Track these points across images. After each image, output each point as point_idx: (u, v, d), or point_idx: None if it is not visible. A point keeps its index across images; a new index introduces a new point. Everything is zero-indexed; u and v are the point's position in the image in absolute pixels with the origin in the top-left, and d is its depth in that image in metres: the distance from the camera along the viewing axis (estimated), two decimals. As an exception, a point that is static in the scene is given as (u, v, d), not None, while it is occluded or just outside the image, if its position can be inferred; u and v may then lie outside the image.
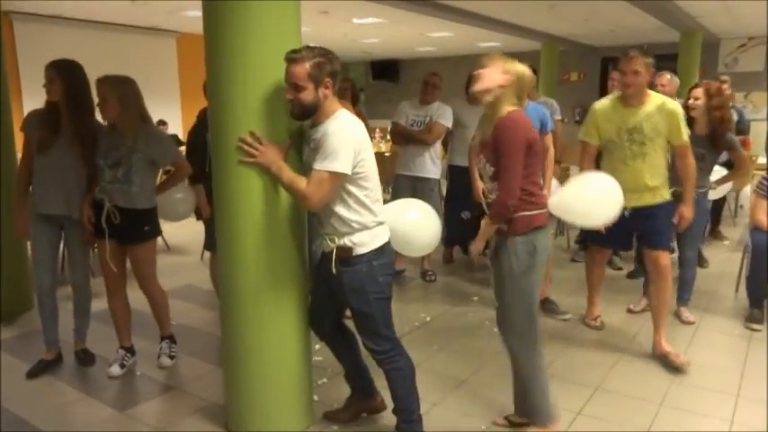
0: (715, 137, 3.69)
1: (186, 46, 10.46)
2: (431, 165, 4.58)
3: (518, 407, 2.68)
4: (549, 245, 2.53)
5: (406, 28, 9.63)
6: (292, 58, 2.18)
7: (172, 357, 3.43)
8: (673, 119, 3.23)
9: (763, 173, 4.09)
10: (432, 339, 3.71)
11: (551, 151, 3.93)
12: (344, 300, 2.40)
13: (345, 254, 2.30)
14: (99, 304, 4.13)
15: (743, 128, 5.17)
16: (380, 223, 2.35)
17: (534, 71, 5.08)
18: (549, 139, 3.93)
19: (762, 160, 7.05)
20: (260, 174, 2.35)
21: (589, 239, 3.84)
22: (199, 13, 2.47)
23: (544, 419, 2.57)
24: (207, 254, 4.33)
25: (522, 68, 2.46)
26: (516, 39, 10.30)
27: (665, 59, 10.59)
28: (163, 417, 2.84)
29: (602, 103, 3.44)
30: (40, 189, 3.15)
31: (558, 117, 5.24)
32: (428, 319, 4.07)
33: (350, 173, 2.19)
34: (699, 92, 3.66)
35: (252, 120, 2.32)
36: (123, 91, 3.02)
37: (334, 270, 2.31)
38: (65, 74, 3.05)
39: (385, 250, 2.35)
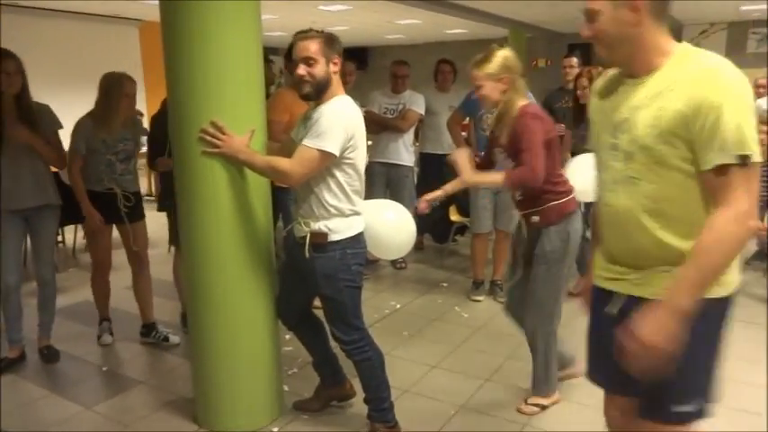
0: None
1: (149, 34, 10.23)
2: (404, 152, 4.60)
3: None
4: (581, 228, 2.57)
5: (375, 15, 9.57)
6: (303, 35, 2.23)
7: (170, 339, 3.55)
8: None
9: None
10: (402, 326, 3.74)
11: None
12: (315, 286, 2.39)
13: (320, 240, 2.29)
14: (62, 300, 4.06)
15: None
16: (357, 213, 2.34)
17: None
18: None
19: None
20: (223, 164, 2.32)
21: None
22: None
23: (548, 390, 2.72)
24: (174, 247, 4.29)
25: (503, 57, 2.47)
26: (484, 25, 10.34)
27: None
28: (131, 412, 2.80)
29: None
30: (9, 185, 3.05)
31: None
32: (398, 306, 4.09)
33: (338, 154, 2.18)
34: (585, 81, 3.85)
35: (213, 109, 2.29)
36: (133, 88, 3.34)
37: (307, 254, 2.30)
38: (20, 63, 3.01)
39: (359, 240, 2.35)
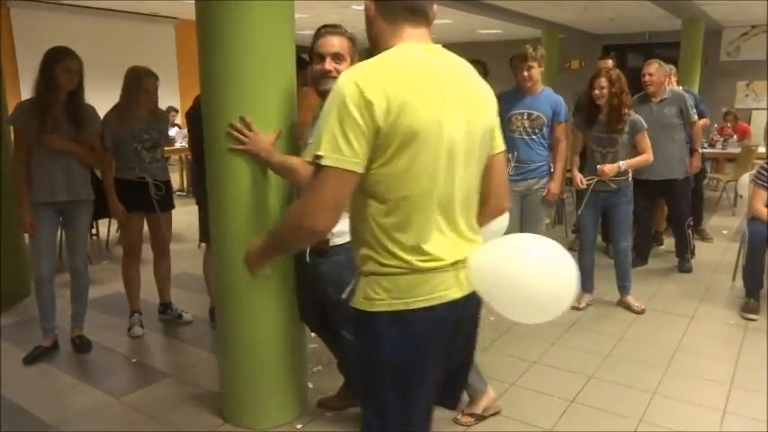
0: (611, 121, 3.72)
1: (185, 32, 10.41)
2: None
3: None
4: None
5: (406, 15, 9.53)
6: (334, 30, 2.21)
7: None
8: None
9: (763, 162, 4.08)
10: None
11: (563, 143, 3.80)
12: (323, 292, 2.32)
13: (322, 245, 2.23)
14: (94, 291, 4.15)
15: (701, 111, 5.16)
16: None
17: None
18: (561, 129, 3.77)
19: (762, 149, 7.02)
20: (248, 162, 2.33)
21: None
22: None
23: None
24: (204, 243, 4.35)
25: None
26: (516, 26, 10.24)
27: (667, 47, 10.53)
28: (158, 404, 2.85)
29: None
30: (44, 178, 3.14)
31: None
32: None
33: None
34: (603, 81, 3.70)
35: (244, 108, 2.30)
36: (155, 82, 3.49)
37: (308, 259, 2.27)
38: (81, 63, 3.16)
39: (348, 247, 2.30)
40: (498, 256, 1.45)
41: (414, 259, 1.38)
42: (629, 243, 4.03)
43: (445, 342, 1.47)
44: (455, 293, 1.43)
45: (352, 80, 1.30)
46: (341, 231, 2.19)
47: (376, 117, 1.28)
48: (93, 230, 5.42)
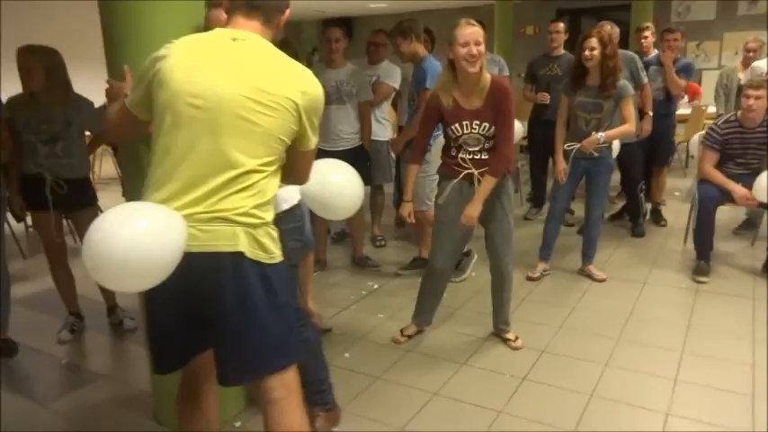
0: (605, 86, 3.55)
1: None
2: (377, 126, 4.38)
3: (495, 321, 3.13)
4: None
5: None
6: None
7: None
8: None
9: (712, 123, 4.03)
10: (378, 308, 3.59)
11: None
12: None
13: None
14: (29, 287, 3.91)
15: (689, 76, 5.12)
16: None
17: (483, 25, 4.92)
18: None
19: (712, 110, 7.04)
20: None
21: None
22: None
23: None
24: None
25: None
26: (469, -8, 10.02)
27: (618, 10, 10.48)
28: (87, 409, 2.66)
29: None
30: None
31: (506, 74, 5.10)
32: (376, 287, 3.94)
33: None
34: (594, 41, 3.50)
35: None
36: (51, 62, 3.02)
37: None
38: None
39: (294, 213, 2.17)
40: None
41: None
42: (602, 211, 3.94)
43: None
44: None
45: None
46: (291, 196, 2.11)
47: None
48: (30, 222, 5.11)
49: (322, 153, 3.61)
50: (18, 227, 4.83)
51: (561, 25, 5.14)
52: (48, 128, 3.07)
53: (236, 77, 1.52)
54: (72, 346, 3.29)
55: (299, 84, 1.58)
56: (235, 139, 1.52)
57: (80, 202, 3.24)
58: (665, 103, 4.92)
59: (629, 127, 3.62)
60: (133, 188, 2.24)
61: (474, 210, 2.76)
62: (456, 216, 2.82)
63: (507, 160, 2.77)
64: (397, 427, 2.43)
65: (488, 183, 2.74)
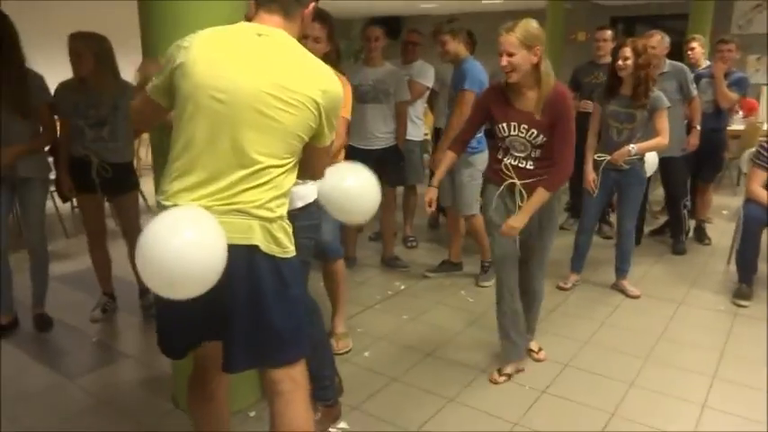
0: (637, 95, 3.47)
1: None
2: (411, 126, 4.36)
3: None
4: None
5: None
6: None
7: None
8: None
9: (763, 140, 3.85)
10: (403, 309, 3.58)
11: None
12: None
13: None
14: (68, 266, 4.04)
15: (742, 91, 4.90)
16: (303, 182, 2.15)
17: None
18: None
19: (766, 127, 6.75)
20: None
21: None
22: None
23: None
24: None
25: (535, 26, 2.40)
26: (521, -5, 9.87)
27: (675, 19, 10.15)
28: (111, 387, 2.74)
29: None
30: None
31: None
32: (402, 287, 3.93)
33: None
34: (628, 51, 3.44)
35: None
36: (100, 48, 3.10)
37: None
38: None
39: (309, 211, 2.18)
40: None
41: None
42: (634, 225, 3.84)
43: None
44: None
45: None
46: (306, 195, 2.12)
47: None
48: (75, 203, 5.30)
49: (356, 151, 3.71)
50: (63, 207, 5.03)
51: (609, 33, 5.02)
52: (95, 112, 3.15)
53: (258, 73, 1.52)
54: (103, 325, 3.40)
55: (321, 82, 1.58)
56: (254, 134, 1.52)
57: (123, 187, 3.32)
58: (715, 118, 4.74)
59: (662, 140, 3.52)
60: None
61: (519, 222, 2.53)
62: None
63: (565, 175, 2.54)
64: (410, 430, 2.41)
65: (540, 196, 2.52)
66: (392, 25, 14.59)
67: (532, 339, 3.01)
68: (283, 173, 1.59)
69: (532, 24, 2.38)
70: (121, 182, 3.30)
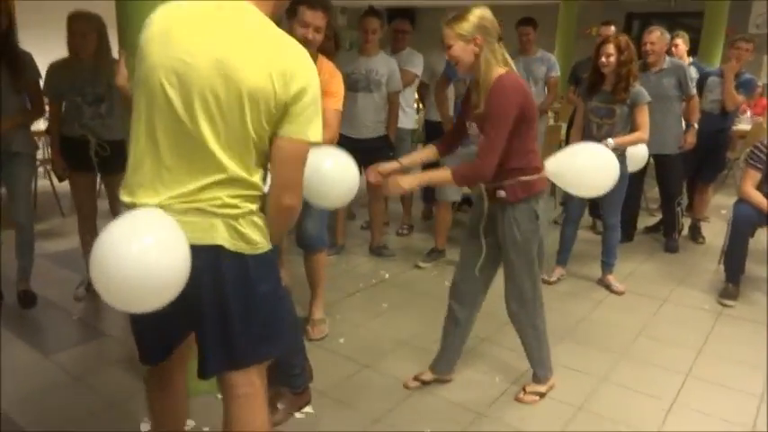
0: (617, 91, 3.46)
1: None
2: (401, 114, 4.34)
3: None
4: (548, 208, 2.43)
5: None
6: None
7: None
8: None
9: (759, 142, 3.79)
10: (383, 298, 3.59)
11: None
12: None
13: None
14: (57, 245, 4.09)
15: (749, 93, 4.81)
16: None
17: (533, 24, 4.77)
18: None
19: (772, 127, 6.62)
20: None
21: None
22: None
23: (544, 376, 2.61)
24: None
25: (479, 16, 2.21)
26: (534, -12, 9.77)
27: (691, 17, 9.98)
28: (86, 364, 2.78)
29: None
30: None
31: (556, 74, 4.93)
32: (387, 276, 3.94)
33: None
34: (611, 48, 3.43)
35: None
36: (101, 26, 3.15)
37: None
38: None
39: None
40: None
41: None
42: (618, 219, 3.82)
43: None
44: None
45: None
46: None
47: None
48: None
49: (346, 140, 3.70)
50: (60, 186, 5.08)
51: (612, 28, 4.97)
52: (92, 90, 3.19)
53: (211, 48, 1.37)
54: (86, 303, 3.44)
55: (284, 61, 1.41)
56: (210, 124, 1.40)
57: (120, 165, 3.36)
58: (720, 118, 4.68)
59: (642, 134, 3.50)
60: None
61: (407, 182, 2.28)
62: (471, 229, 2.49)
63: (475, 174, 2.25)
64: (373, 417, 2.42)
65: (440, 174, 2.34)
66: (406, 16, 14.55)
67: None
68: (246, 168, 1.45)
69: (475, 14, 2.20)
70: (118, 159, 3.34)
